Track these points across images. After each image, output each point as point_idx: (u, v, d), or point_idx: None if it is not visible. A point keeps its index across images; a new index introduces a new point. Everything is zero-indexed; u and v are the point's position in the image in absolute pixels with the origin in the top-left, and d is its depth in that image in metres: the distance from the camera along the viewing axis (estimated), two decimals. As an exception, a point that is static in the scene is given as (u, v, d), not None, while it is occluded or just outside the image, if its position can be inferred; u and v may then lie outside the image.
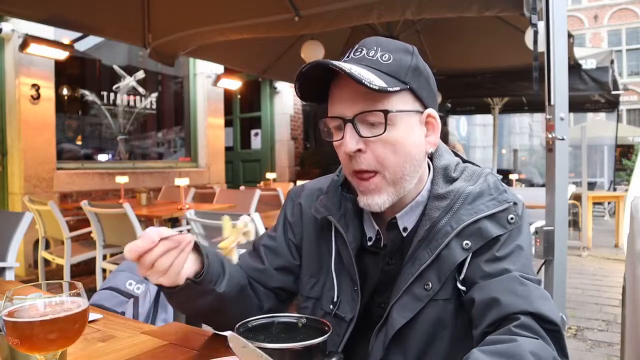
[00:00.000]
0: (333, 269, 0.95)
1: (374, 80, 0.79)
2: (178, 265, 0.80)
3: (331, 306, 0.93)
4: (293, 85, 0.87)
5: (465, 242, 0.84)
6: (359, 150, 0.84)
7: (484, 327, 0.77)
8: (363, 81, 0.77)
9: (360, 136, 0.83)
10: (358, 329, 0.91)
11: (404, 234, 0.91)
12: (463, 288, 0.84)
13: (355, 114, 0.83)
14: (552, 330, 0.74)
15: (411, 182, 0.88)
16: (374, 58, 0.85)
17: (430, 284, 0.85)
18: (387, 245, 0.92)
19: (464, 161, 1.00)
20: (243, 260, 1.03)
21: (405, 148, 0.85)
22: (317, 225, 0.99)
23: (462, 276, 0.84)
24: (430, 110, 0.89)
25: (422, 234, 0.87)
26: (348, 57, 0.88)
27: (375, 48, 0.86)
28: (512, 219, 0.85)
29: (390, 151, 0.84)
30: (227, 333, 0.65)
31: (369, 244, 0.94)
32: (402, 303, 0.86)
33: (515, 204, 0.87)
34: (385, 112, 0.82)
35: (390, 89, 0.81)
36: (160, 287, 0.85)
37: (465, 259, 0.84)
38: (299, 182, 1.17)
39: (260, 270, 1.01)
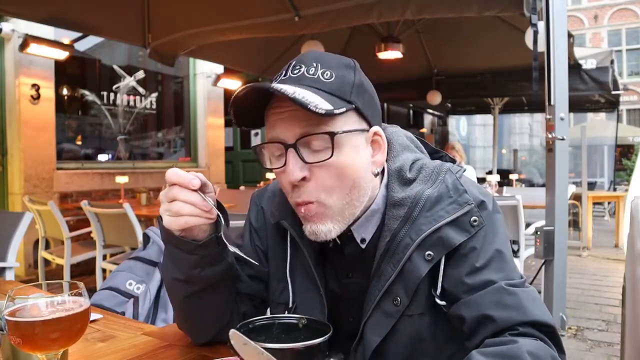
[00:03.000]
0: (288, 274, 0.91)
1: (319, 102, 0.73)
2: (190, 222, 0.77)
3: (286, 312, 0.90)
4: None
5: (427, 252, 0.79)
6: (303, 179, 0.77)
7: (479, 341, 0.75)
8: (309, 106, 0.71)
9: (305, 162, 0.77)
10: (333, 344, 0.85)
11: (363, 246, 0.86)
12: (443, 303, 0.80)
13: (298, 138, 0.76)
14: (548, 332, 0.74)
15: (359, 206, 0.82)
16: (315, 76, 0.78)
17: (399, 299, 0.81)
18: (344, 255, 0.88)
19: (432, 152, 0.94)
20: None
21: (352, 172, 0.79)
22: (278, 229, 0.94)
23: (438, 290, 0.80)
24: (376, 129, 0.83)
25: (383, 246, 0.82)
26: (286, 75, 0.81)
27: (314, 64, 0.80)
28: (474, 221, 0.79)
29: (336, 177, 0.78)
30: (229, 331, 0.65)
31: (330, 245, 0.89)
32: (374, 320, 0.83)
33: (481, 202, 0.81)
34: (332, 135, 0.75)
35: (337, 111, 0.74)
36: (175, 242, 0.81)
37: (437, 272, 0.80)
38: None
39: None
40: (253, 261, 0.89)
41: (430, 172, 0.85)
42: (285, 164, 0.77)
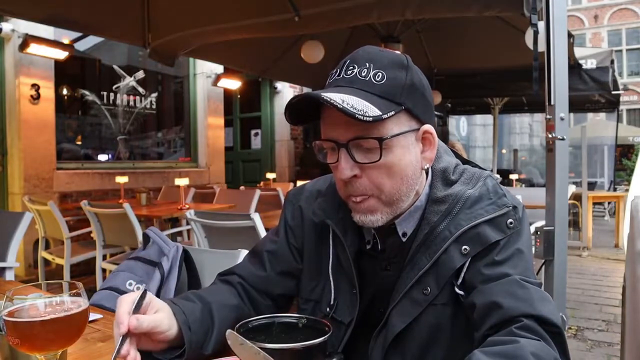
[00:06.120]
0: (330, 272, 0.94)
1: (367, 109, 0.77)
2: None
3: (328, 309, 0.93)
4: (284, 112, 0.85)
5: (463, 247, 0.83)
6: (355, 176, 0.83)
7: (485, 329, 0.77)
8: (356, 115, 0.75)
9: (355, 161, 0.81)
10: (357, 333, 0.91)
11: (404, 239, 0.90)
12: (461, 292, 0.83)
13: (349, 140, 0.81)
14: (554, 332, 0.74)
15: (407, 200, 0.87)
16: (367, 78, 0.82)
17: (429, 288, 0.84)
18: (385, 249, 0.91)
19: (464, 162, 0.98)
20: (244, 268, 1.02)
21: (401, 170, 0.83)
22: (316, 227, 0.98)
23: (459, 280, 0.84)
24: (427, 127, 0.86)
25: (420, 238, 0.86)
26: (339, 75, 0.84)
27: (367, 65, 0.82)
28: (511, 223, 0.84)
29: (385, 175, 0.83)
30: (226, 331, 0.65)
31: (368, 247, 0.93)
32: (401, 308, 0.86)
33: (514, 207, 0.85)
34: (380, 140, 0.79)
35: (385, 116, 0.78)
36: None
37: (463, 264, 0.83)
38: (299, 182, 1.15)
39: (262, 277, 1.00)
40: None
41: (471, 176, 0.90)
42: (337, 161, 0.83)
